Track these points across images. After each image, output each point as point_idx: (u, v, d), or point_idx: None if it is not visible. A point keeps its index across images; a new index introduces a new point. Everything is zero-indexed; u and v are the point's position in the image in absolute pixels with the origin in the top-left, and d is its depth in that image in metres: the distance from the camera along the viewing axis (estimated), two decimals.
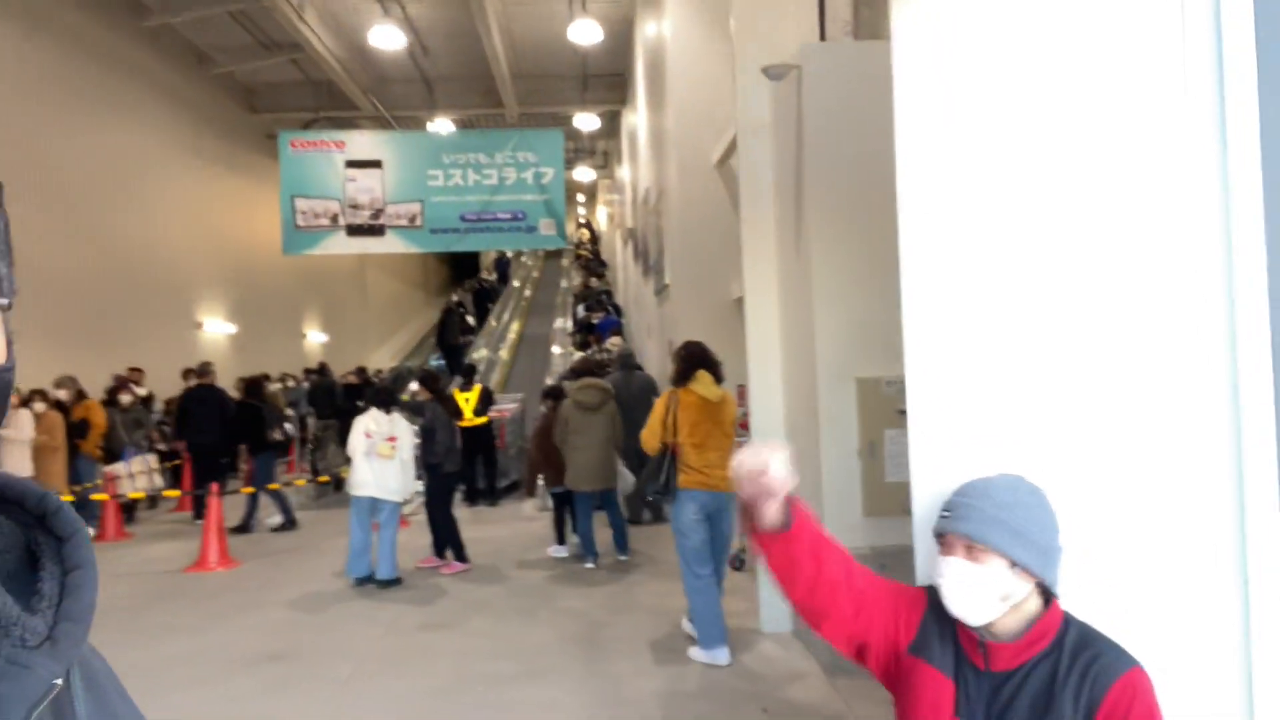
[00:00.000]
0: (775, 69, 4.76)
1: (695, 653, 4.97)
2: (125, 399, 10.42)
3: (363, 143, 12.71)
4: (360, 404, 9.55)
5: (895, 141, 2.18)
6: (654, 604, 6.16)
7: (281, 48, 15.82)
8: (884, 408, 4.65)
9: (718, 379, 5.11)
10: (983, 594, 1.68)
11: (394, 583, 6.88)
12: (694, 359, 5.11)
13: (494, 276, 29.43)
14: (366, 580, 6.86)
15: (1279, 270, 1.77)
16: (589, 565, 7.36)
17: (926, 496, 2.08)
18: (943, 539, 1.76)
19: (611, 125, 21.74)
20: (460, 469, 8.06)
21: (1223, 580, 1.77)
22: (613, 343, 16.17)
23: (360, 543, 6.88)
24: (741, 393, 10.19)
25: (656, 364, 14.26)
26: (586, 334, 19.25)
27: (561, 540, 7.99)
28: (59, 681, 0.57)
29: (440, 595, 6.64)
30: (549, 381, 16.20)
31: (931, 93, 2.10)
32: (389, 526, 6.93)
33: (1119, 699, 1.60)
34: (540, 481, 8.85)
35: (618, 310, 19.98)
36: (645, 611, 5.99)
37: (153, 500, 10.44)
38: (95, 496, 8.94)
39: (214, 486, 7.94)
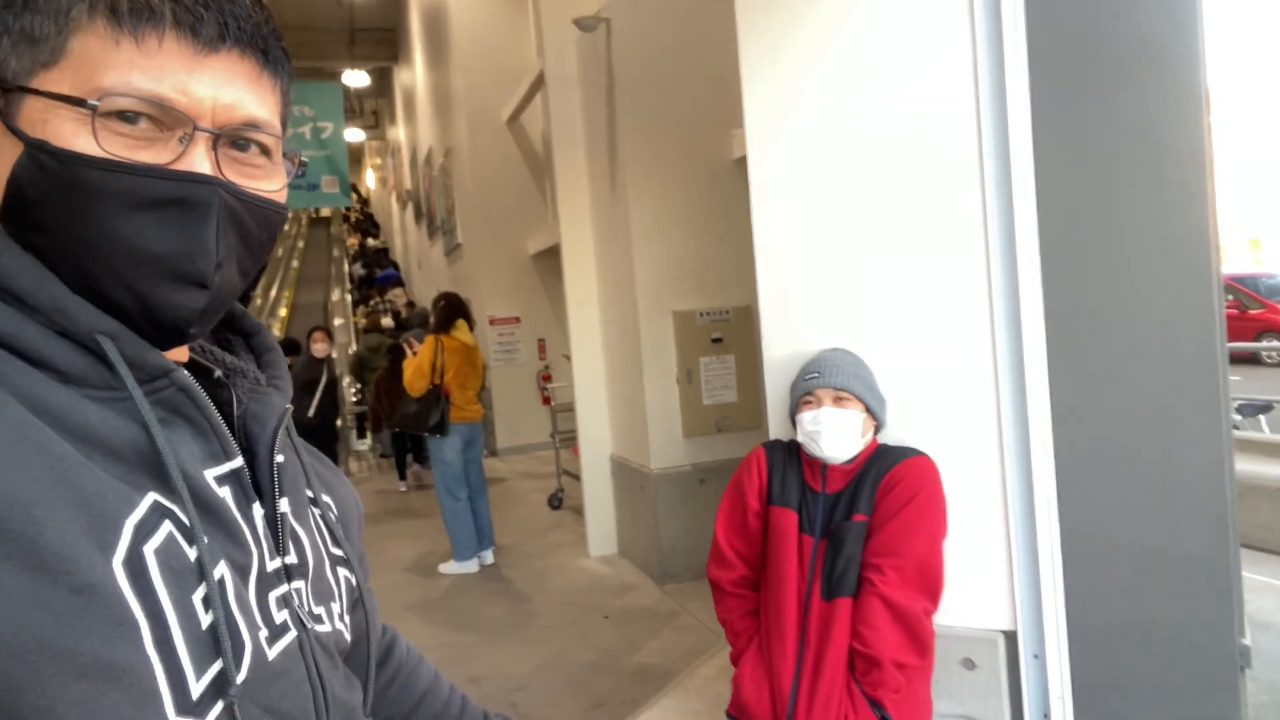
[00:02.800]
0: (586, 20, 5.00)
1: (447, 567, 5.70)
2: None
3: None
4: None
5: (744, 96, 2.52)
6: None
7: None
8: (700, 337, 5.09)
9: (471, 327, 5.84)
10: (850, 431, 2.09)
11: None
12: (453, 309, 5.72)
13: None
14: None
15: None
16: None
17: (779, 381, 2.47)
18: (810, 396, 2.15)
19: (381, 83, 21.00)
20: None
21: (983, 401, 2.28)
22: (395, 294, 15.92)
23: None
24: (541, 347, 10.51)
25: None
26: (367, 289, 18.84)
27: (403, 476, 9.01)
28: (289, 406, 0.73)
29: None
30: (333, 353, 15.66)
31: (773, 50, 2.47)
32: None
33: (898, 474, 2.07)
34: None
35: (396, 266, 19.64)
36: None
37: None
38: None
39: None
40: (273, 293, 22.73)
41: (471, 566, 5.72)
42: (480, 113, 10.39)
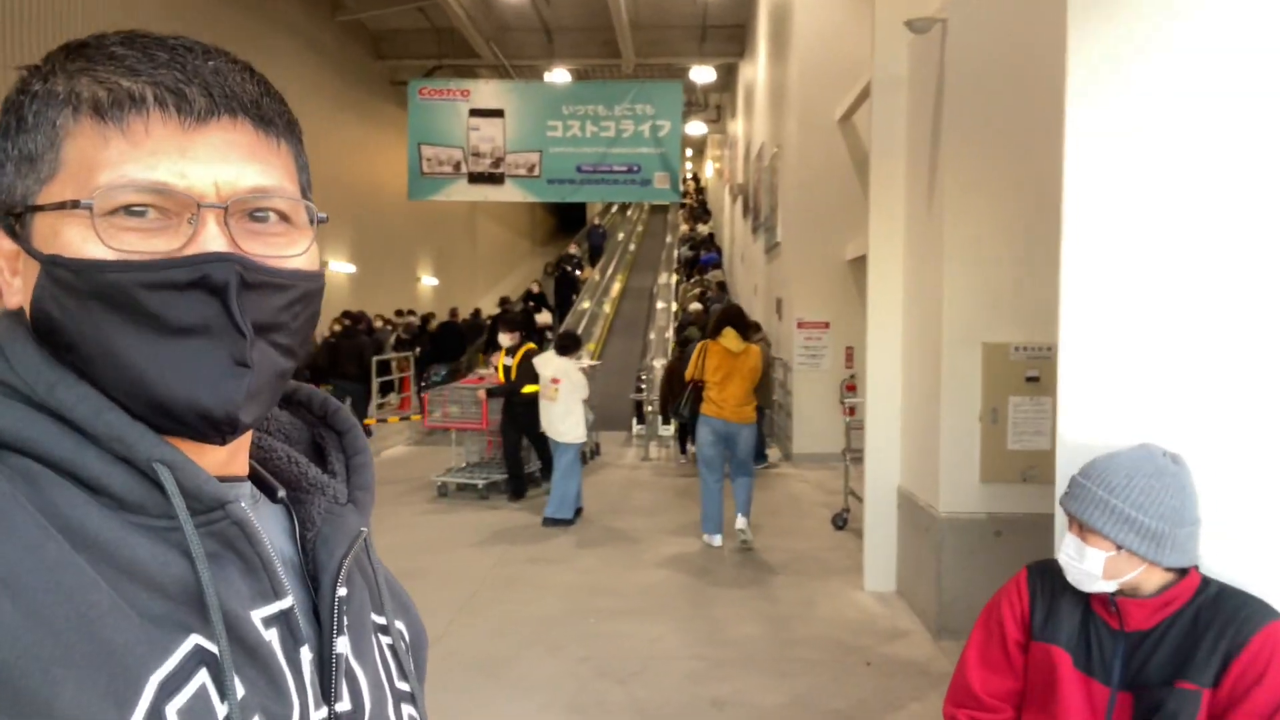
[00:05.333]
0: (919, 22, 4.64)
1: (706, 538, 6.48)
2: None
3: (486, 92, 12.94)
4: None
5: (1066, 108, 2.14)
6: (755, 556, 6.25)
7: None
8: (1010, 374, 4.56)
9: (744, 336, 6.48)
10: (1091, 571, 1.69)
11: (561, 522, 6.95)
12: (723, 319, 6.57)
13: (582, 250, 25.13)
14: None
15: None
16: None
17: (1067, 464, 2.08)
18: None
19: (727, 79, 21.45)
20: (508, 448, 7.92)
21: None
22: (714, 274, 16.39)
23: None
24: (849, 355, 10.14)
25: (761, 323, 14.21)
26: (690, 269, 19.68)
27: (683, 450, 9.82)
28: (364, 530, 0.70)
29: (548, 535, 6.88)
30: (651, 336, 16.40)
31: (1108, 54, 2.06)
32: (561, 466, 7.01)
33: (1260, 649, 1.57)
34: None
35: (719, 251, 20.24)
36: (746, 563, 6.08)
37: None
38: None
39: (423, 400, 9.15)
40: (609, 273, 24.33)
41: (715, 540, 6.39)
42: (812, 111, 10.18)
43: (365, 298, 17.33)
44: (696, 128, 26.51)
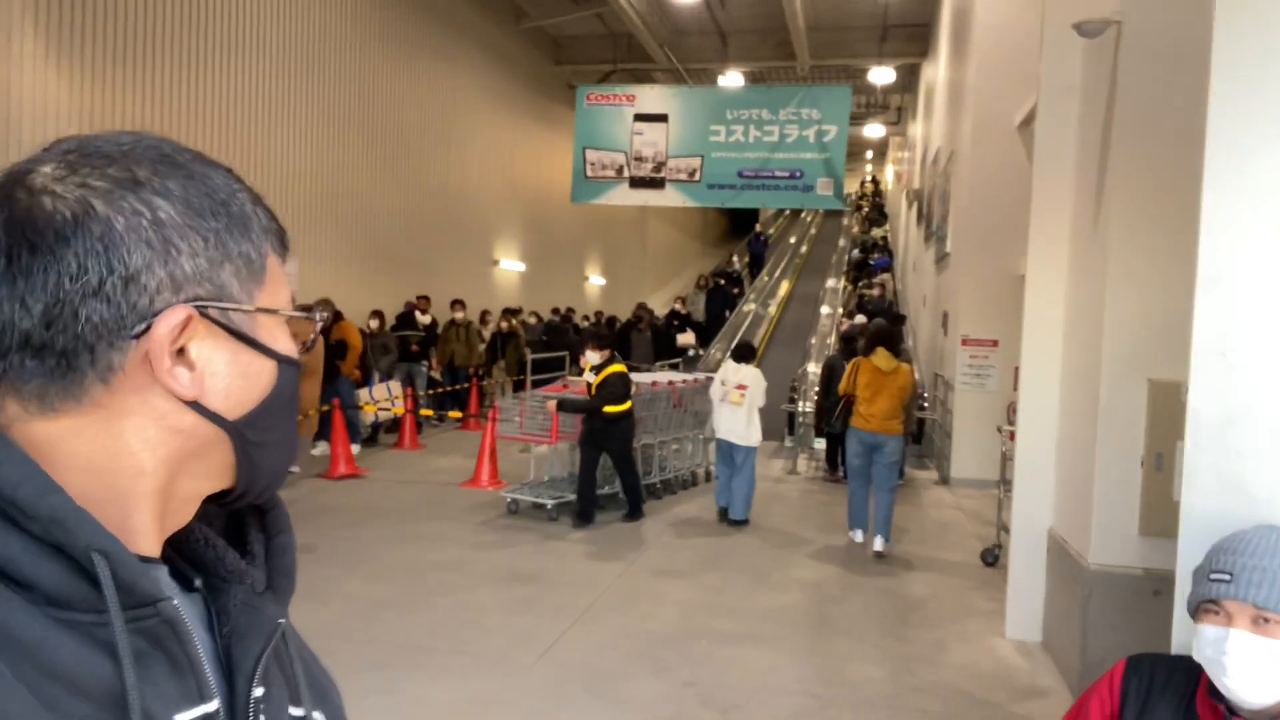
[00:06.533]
0: (1090, 25, 4.22)
1: (851, 534, 7.06)
2: (373, 325, 10.80)
3: (651, 96, 13.03)
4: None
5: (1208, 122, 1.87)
6: (891, 587, 5.93)
7: (589, 1, 16.54)
8: (1180, 416, 4.06)
9: (895, 354, 6.95)
10: (1275, 672, 1.43)
11: (743, 523, 7.42)
12: (875, 338, 7.08)
13: (742, 263, 23.90)
14: (724, 512, 7.56)
15: None
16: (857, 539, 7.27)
17: (1195, 541, 1.80)
18: (1214, 605, 1.51)
19: (908, 79, 20.63)
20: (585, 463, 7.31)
21: None
22: (882, 278, 15.81)
23: (722, 480, 7.66)
24: (1018, 376, 9.47)
25: (927, 337, 13.55)
26: (859, 272, 19.02)
27: (833, 467, 9.74)
28: (282, 621, 0.69)
29: (680, 546, 6.83)
30: (812, 341, 16.02)
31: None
32: (744, 470, 7.41)
33: None
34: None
35: (890, 255, 19.49)
36: (880, 594, 5.78)
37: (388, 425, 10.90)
38: (369, 410, 9.97)
39: (491, 413, 8.63)
40: (775, 275, 23.99)
41: (858, 535, 6.98)
42: (989, 115, 9.57)
43: (534, 296, 17.93)
44: (875, 130, 25.65)
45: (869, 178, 36.09)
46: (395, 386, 10.64)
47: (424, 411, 11.03)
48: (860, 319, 14.44)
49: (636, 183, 12.75)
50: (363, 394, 10.05)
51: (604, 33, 18.50)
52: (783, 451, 11.24)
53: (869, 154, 34.35)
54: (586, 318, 17.41)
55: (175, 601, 0.59)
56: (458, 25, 15.08)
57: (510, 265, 17.50)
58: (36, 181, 0.58)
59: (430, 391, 11.80)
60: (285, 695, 0.68)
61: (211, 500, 0.67)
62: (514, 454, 9.30)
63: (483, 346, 13.17)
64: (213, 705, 0.60)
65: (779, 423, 11.47)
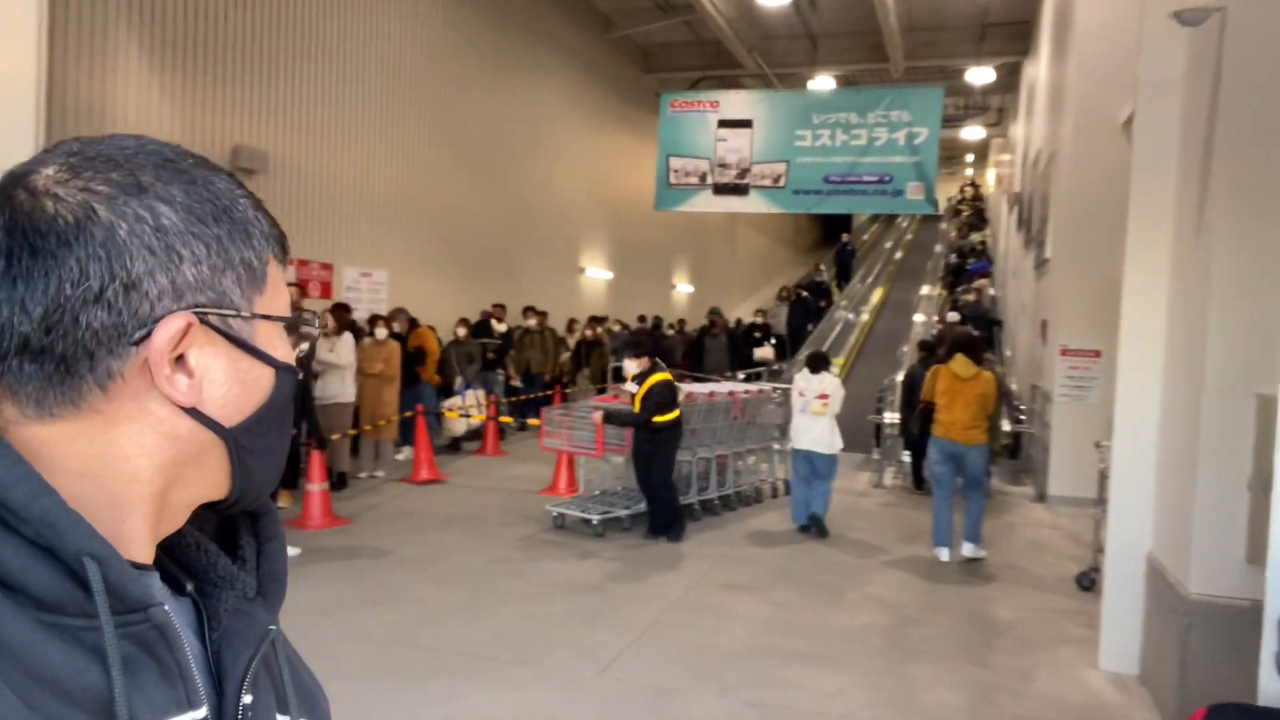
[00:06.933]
0: (1190, 13, 3.93)
1: (936, 551, 6.86)
2: (460, 332, 10.87)
3: (736, 102, 12.87)
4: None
5: None
6: (976, 609, 5.65)
7: (676, 9, 16.51)
8: None
9: (976, 361, 6.85)
10: None
11: (821, 524, 7.37)
12: (955, 345, 7.05)
13: (828, 273, 22.65)
14: (806, 528, 7.41)
15: None
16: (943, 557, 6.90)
17: None
18: None
19: (1008, 79, 19.88)
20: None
21: None
22: (979, 283, 15.26)
23: (798, 494, 7.48)
24: None
25: (1026, 346, 12.97)
26: (955, 277, 18.41)
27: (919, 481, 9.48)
28: (273, 628, 0.69)
29: (752, 559, 6.68)
30: (904, 349, 15.55)
31: None
32: (825, 476, 7.37)
33: None
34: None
35: (989, 259, 18.81)
36: (963, 616, 5.51)
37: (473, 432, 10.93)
38: (451, 415, 10.15)
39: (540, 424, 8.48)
40: (869, 281, 23.45)
41: (943, 555, 6.77)
42: (1090, 114, 9.10)
43: (621, 304, 17.98)
44: (974, 132, 24.83)
45: (969, 182, 35.01)
46: (480, 394, 10.78)
47: (503, 419, 11.14)
48: (953, 316, 13.96)
49: (720, 189, 12.60)
50: (454, 401, 10.22)
51: (692, 40, 18.45)
52: (868, 464, 10.92)
53: (969, 157, 33.30)
54: (672, 326, 17.33)
55: (166, 607, 0.59)
56: (546, 37, 15.26)
57: (597, 273, 17.59)
58: (38, 183, 0.57)
59: (511, 399, 11.93)
60: (273, 702, 0.68)
61: (204, 507, 0.66)
62: (595, 462, 9.27)
63: (566, 355, 13.24)
64: (201, 712, 0.60)
65: (864, 434, 11.16)
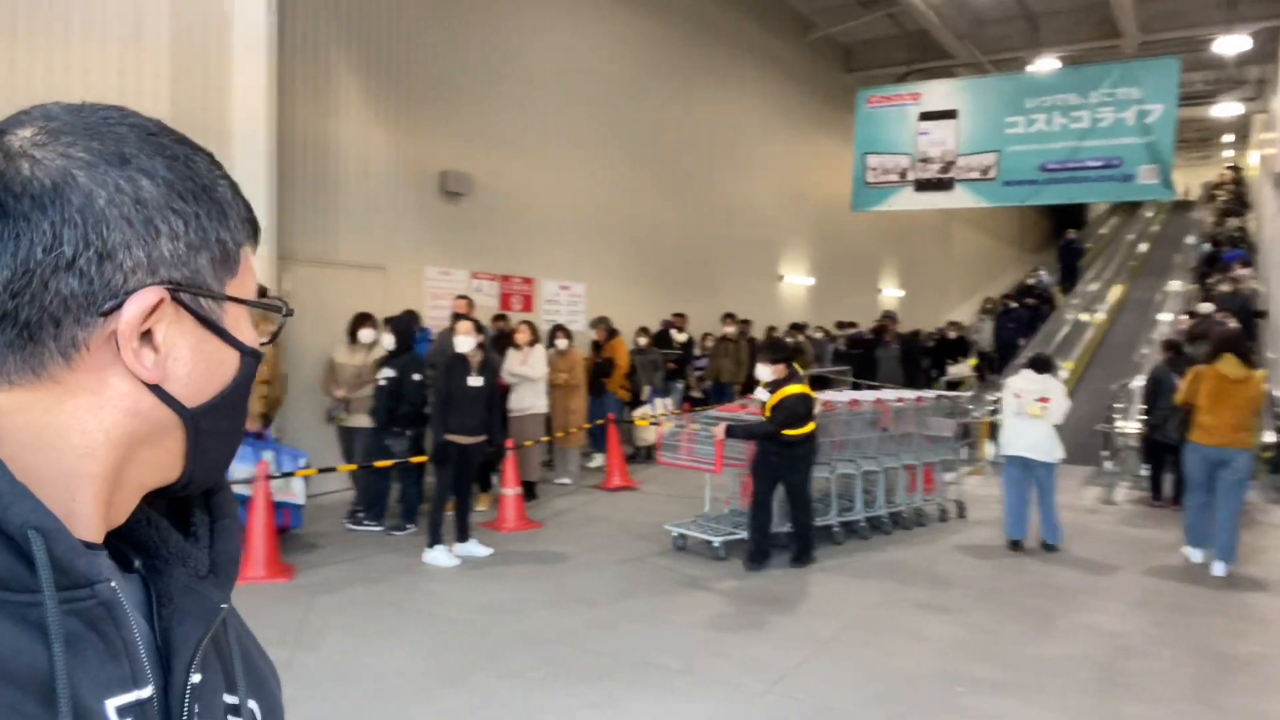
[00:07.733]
0: None
1: (1186, 551, 6.56)
2: (642, 342, 10.79)
3: (939, 93, 12.13)
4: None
5: None
6: (1212, 642, 4.92)
7: (878, 3, 15.91)
8: None
9: (1246, 363, 6.32)
10: None
11: (1056, 549, 6.78)
12: (1221, 344, 6.48)
13: (1048, 277, 20.70)
14: (1017, 543, 6.84)
15: None
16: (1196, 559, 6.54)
17: None
18: None
19: (1269, 45, 17.50)
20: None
21: None
22: (1240, 272, 13.63)
23: (1013, 503, 6.88)
24: None
25: None
26: (1209, 266, 16.60)
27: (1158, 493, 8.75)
28: (225, 606, 0.67)
29: (950, 576, 6.21)
30: (1144, 351, 14.01)
31: None
32: (1048, 489, 6.82)
33: None
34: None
35: (1250, 248, 16.66)
36: (1195, 649, 4.81)
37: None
38: (642, 424, 10.16)
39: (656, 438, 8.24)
40: (1105, 278, 21.39)
41: (1196, 556, 6.47)
42: None
43: (823, 310, 17.51)
44: (1231, 109, 22.04)
45: (1229, 164, 31.22)
46: (668, 402, 10.85)
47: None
48: (1206, 307, 12.46)
49: (922, 185, 11.91)
50: (644, 410, 10.34)
51: (897, 33, 17.69)
52: (1098, 477, 9.90)
53: (1227, 138, 29.66)
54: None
55: (114, 584, 0.58)
56: (744, 44, 15.18)
57: (796, 280, 17.23)
58: (14, 144, 0.57)
59: (697, 408, 11.94)
60: (221, 681, 0.67)
61: (155, 493, 0.65)
62: (722, 479, 9.02)
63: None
64: (146, 691, 0.58)
65: (1092, 446, 10.12)
